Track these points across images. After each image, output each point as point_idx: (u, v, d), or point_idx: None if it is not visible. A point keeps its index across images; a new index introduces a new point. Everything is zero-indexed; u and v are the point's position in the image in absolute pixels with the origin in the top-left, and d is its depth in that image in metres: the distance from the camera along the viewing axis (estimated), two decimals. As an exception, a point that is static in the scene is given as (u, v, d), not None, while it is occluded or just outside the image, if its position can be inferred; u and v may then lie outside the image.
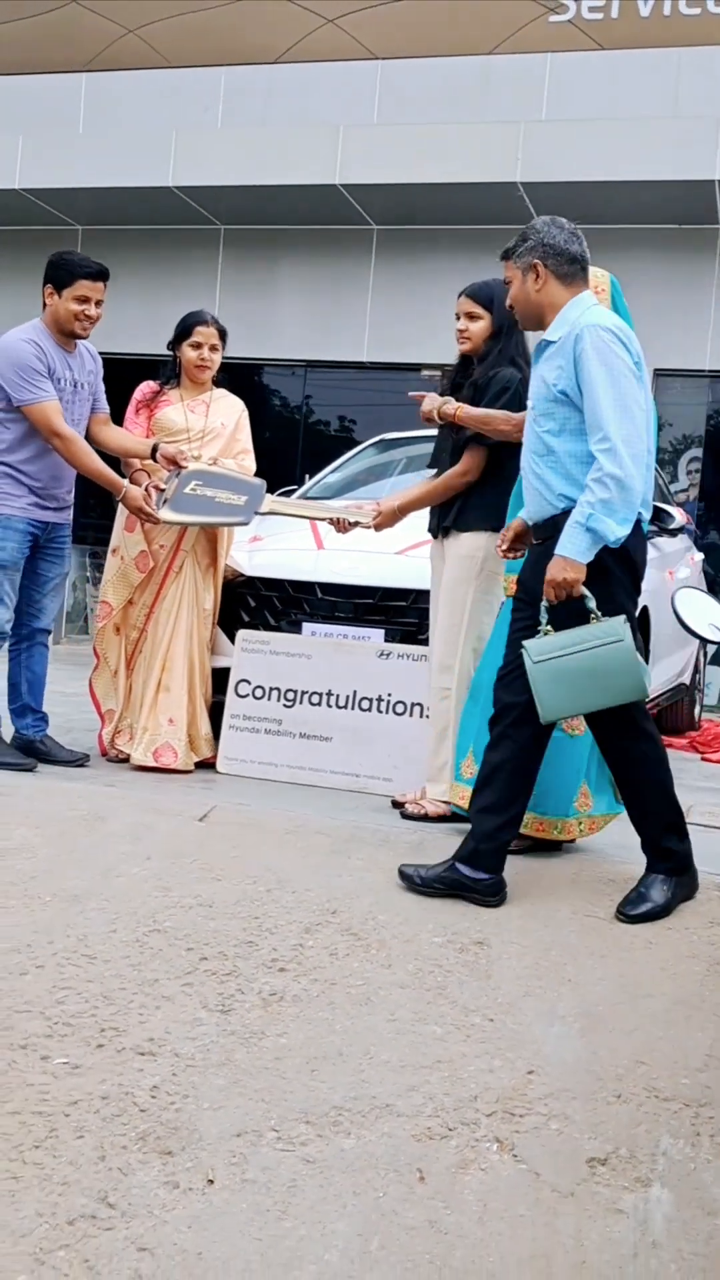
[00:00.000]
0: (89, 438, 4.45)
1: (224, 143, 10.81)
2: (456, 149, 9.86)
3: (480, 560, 3.92)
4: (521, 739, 3.28)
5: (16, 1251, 2.04)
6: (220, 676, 4.76)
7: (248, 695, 4.67)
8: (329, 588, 4.80)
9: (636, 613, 3.84)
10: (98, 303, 4.32)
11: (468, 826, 3.38)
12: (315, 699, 4.59)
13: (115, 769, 4.54)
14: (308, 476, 7.03)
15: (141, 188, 10.74)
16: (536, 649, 3.17)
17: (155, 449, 4.48)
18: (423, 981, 2.86)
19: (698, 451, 10.62)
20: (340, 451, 7.43)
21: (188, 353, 4.67)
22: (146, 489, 4.46)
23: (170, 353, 4.76)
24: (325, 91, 11.25)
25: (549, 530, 3.27)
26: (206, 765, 4.66)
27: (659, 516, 5.35)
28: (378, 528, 4.37)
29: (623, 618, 3.14)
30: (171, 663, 4.60)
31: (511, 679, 3.28)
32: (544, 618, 3.21)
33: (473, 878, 3.26)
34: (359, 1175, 2.25)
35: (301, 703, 4.60)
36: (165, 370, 4.80)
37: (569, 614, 3.18)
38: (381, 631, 4.70)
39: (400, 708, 4.47)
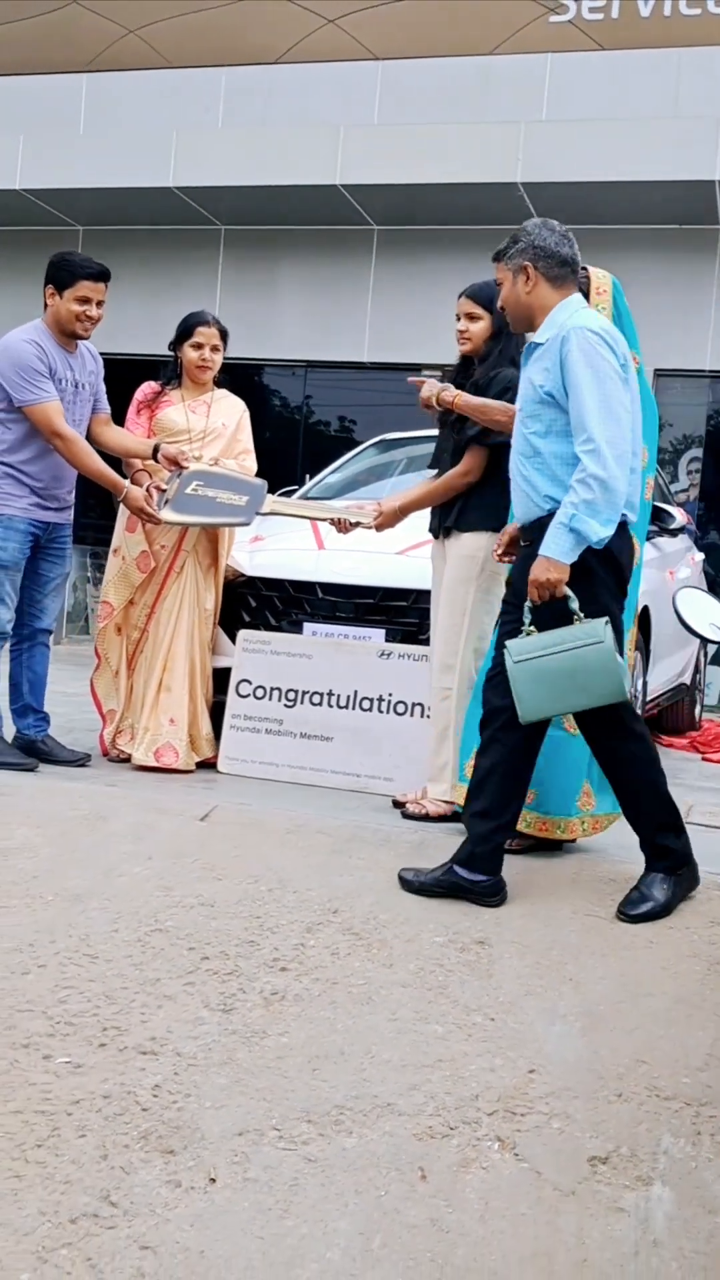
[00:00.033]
0: (90, 438, 4.46)
1: (224, 143, 10.81)
2: (457, 149, 9.86)
3: (481, 560, 3.92)
4: (511, 742, 3.28)
5: (20, 1250, 2.04)
6: (221, 676, 4.77)
7: (249, 695, 4.68)
8: (330, 588, 4.80)
9: (633, 614, 3.85)
10: (99, 303, 4.32)
11: (468, 826, 3.39)
12: (316, 699, 4.59)
13: (116, 769, 4.54)
14: (308, 477, 7.03)
15: (142, 188, 10.74)
16: (517, 649, 3.19)
17: (156, 449, 4.49)
18: (424, 981, 2.86)
19: (698, 451, 10.63)
20: (340, 452, 7.44)
21: (189, 353, 4.67)
22: (148, 489, 4.47)
23: (171, 353, 4.76)
24: (326, 92, 11.26)
25: (536, 531, 3.28)
26: (207, 765, 4.67)
27: (659, 516, 5.36)
28: (379, 528, 4.37)
29: (604, 620, 3.14)
30: (173, 663, 4.61)
31: (498, 680, 3.29)
32: (527, 618, 3.23)
33: (471, 880, 3.27)
34: (361, 1174, 2.25)
35: (302, 703, 4.61)
36: (166, 371, 4.80)
37: (553, 615, 3.19)
38: (382, 631, 4.70)
39: (401, 708, 4.47)
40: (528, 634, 3.21)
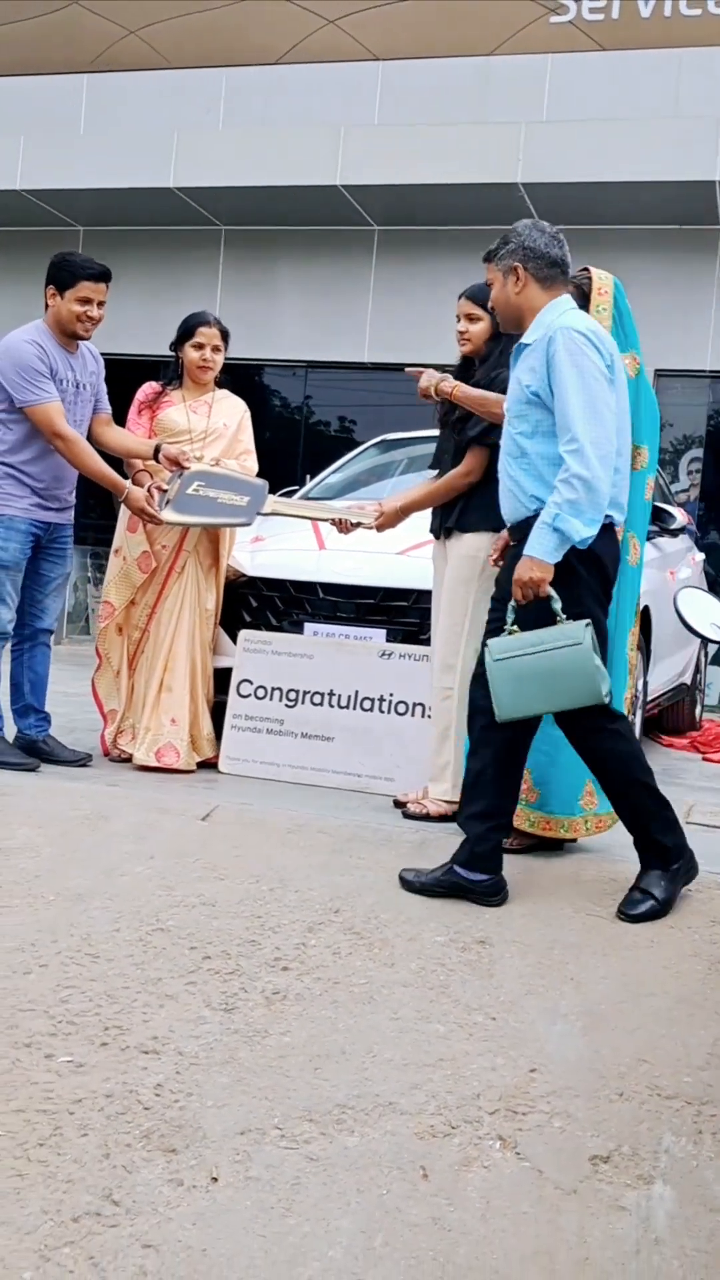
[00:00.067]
0: (91, 438, 4.46)
1: (225, 143, 10.82)
2: (457, 150, 9.87)
3: (482, 560, 3.93)
4: (499, 740, 3.29)
5: (22, 1248, 2.04)
6: (222, 676, 4.77)
7: (250, 695, 4.68)
8: (331, 588, 4.81)
9: (634, 614, 3.85)
10: (100, 304, 4.33)
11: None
12: (317, 699, 4.60)
13: (118, 769, 4.55)
14: (309, 477, 7.03)
15: (142, 188, 10.74)
16: (498, 647, 3.21)
17: (158, 450, 4.50)
18: (425, 980, 2.87)
19: (698, 452, 10.63)
20: (341, 452, 7.44)
21: (190, 354, 4.68)
22: (149, 490, 4.47)
23: (173, 354, 4.77)
24: (326, 92, 11.26)
25: (522, 532, 3.29)
26: (208, 765, 4.68)
27: (660, 517, 5.36)
28: (380, 528, 4.38)
29: (585, 622, 3.14)
30: (174, 663, 4.61)
31: (483, 678, 3.30)
32: (510, 617, 3.25)
33: (471, 880, 3.28)
34: (362, 1173, 2.26)
35: (303, 703, 4.61)
36: (168, 371, 4.81)
37: (536, 615, 3.20)
38: (383, 631, 4.71)
39: (402, 708, 4.48)
40: (509, 633, 3.23)
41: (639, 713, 4.95)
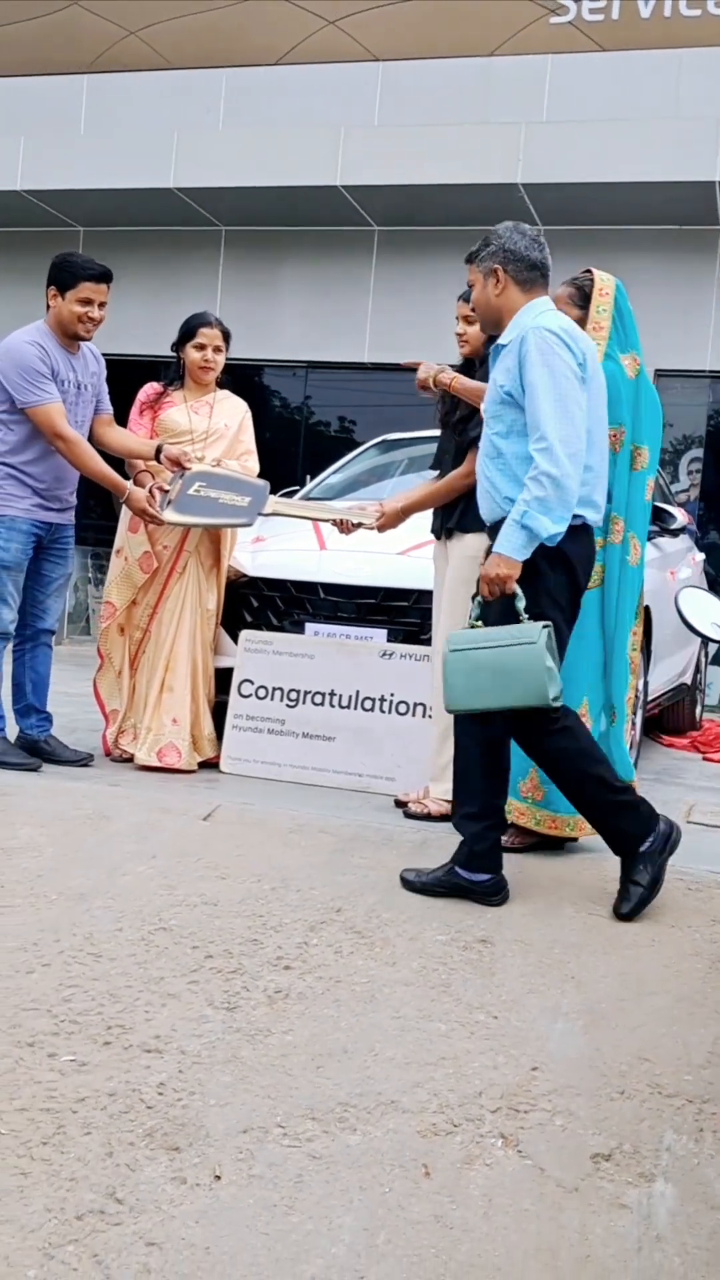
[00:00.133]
0: (93, 439, 4.47)
1: (225, 144, 10.82)
2: (457, 150, 9.87)
3: (483, 561, 3.93)
4: (481, 739, 3.30)
5: (26, 1246, 2.05)
6: (223, 676, 4.78)
7: (251, 695, 4.69)
8: (332, 588, 4.82)
9: (634, 614, 3.85)
10: (101, 304, 4.33)
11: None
12: (318, 699, 4.60)
13: (119, 769, 4.56)
14: (309, 478, 7.04)
15: (143, 189, 10.75)
16: (455, 638, 3.23)
17: (159, 450, 4.50)
18: (427, 979, 2.87)
19: (699, 452, 10.64)
20: (341, 452, 7.45)
21: (191, 354, 4.69)
22: (150, 490, 4.48)
23: (174, 354, 4.77)
24: (326, 93, 11.27)
25: (498, 532, 3.30)
26: (210, 765, 4.68)
27: (660, 517, 5.37)
28: (381, 529, 4.39)
29: (543, 624, 3.14)
30: (175, 663, 4.62)
31: None
32: (474, 611, 3.27)
33: (472, 880, 3.29)
34: (365, 1171, 2.26)
35: (304, 703, 4.62)
36: (169, 372, 4.81)
37: (501, 612, 3.22)
38: (384, 632, 4.71)
39: (403, 708, 4.49)
40: (471, 627, 3.25)
41: (639, 712, 4.95)
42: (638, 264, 9.73)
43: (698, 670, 7.41)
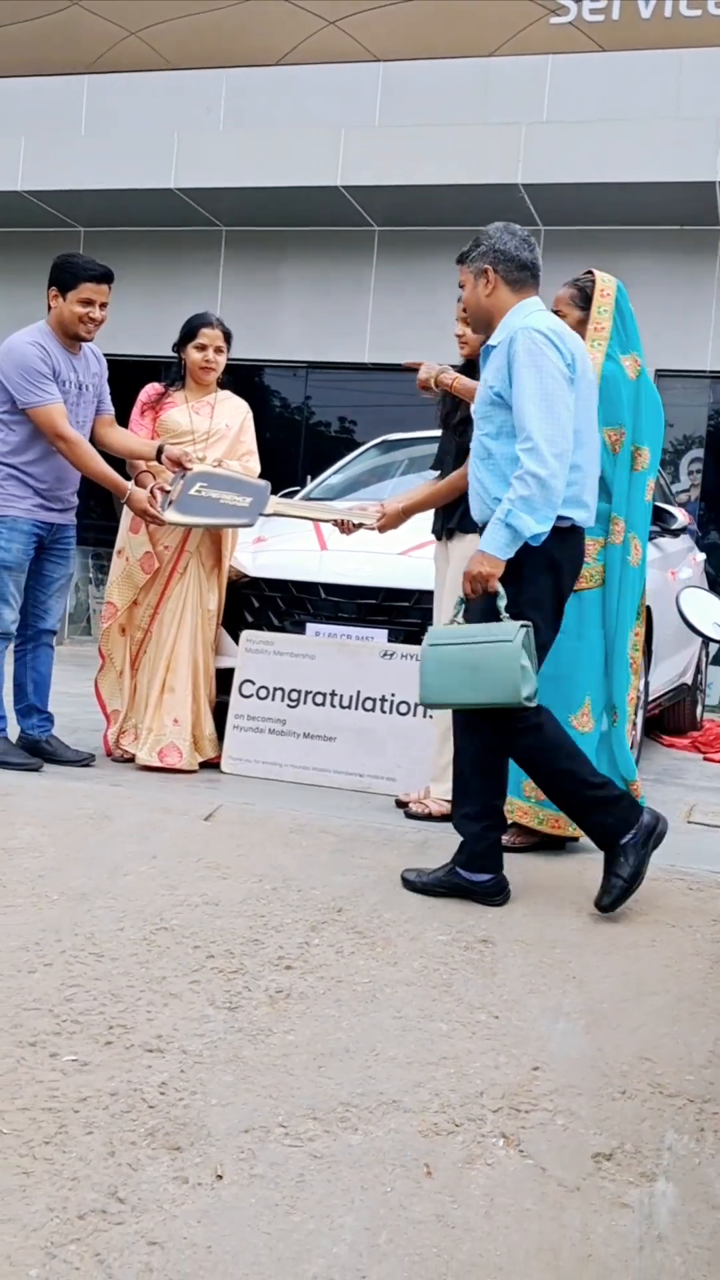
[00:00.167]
0: (94, 439, 4.47)
1: (225, 144, 10.83)
2: (457, 150, 9.88)
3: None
4: (477, 742, 3.31)
5: (28, 1245, 2.05)
6: (224, 677, 4.78)
7: (252, 695, 4.69)
8: (332, 588, 4.82)
9: (635, 614, 3.85)
10: (102, 305, 4.34)
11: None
12: (319, 699, 4.61)
13: (120, 769, 4.56)
14: (309, 478, 7.04)
15: (143, 189, 10.75)
16: (435, 634, 3.25)
17: (160, 451, 4.51)
18: (428, 979, 2.88)
19: (699, 452, 10.64)
20: (341, 453, 7.45)
21: (193, 355, 4.69)
22: (151, 491, 4.48)
23: (175, 355, 4.78)
24: (327, 93, 11.27)
25: None
26: (211, 765, 4.69)
27: (661, 517, 5.37)
28: (382, 529, 4.39)
29: (521, 624, 3.13)
30: (176, 663, 4.63)
31: None
32: (458, 608, 3.28)
33: (473, 880, 3.29)
34: (366, 1170, 2.27)
35: (305, 703, 4.62)
36: (170, 372, 4.82)
37: (483, 610, 3.23)
38: (385, 632, 4.72)
39: (404, 708, 4.49)
40: (453, 623, 3.26)
41: (640, 713, 4.96)
42: (638, 264, 9.74)
43: (698, 670, 7.41)
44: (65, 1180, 2.21)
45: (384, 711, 4.52)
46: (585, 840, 3.79)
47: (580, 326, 3.78)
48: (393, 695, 4.50)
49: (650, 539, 4.27)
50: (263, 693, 4.68)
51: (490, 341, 3.36)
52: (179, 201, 10.90)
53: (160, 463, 4.52)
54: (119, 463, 4.57)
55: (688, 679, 6.94)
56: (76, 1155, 2.26)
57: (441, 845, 3.59)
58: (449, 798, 3.98)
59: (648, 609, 5.05)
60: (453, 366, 4.18)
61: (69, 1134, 2.31)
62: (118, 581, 4.70)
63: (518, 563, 3.19)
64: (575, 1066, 2.57)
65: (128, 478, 4.58)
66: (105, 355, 4.60)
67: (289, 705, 4.64)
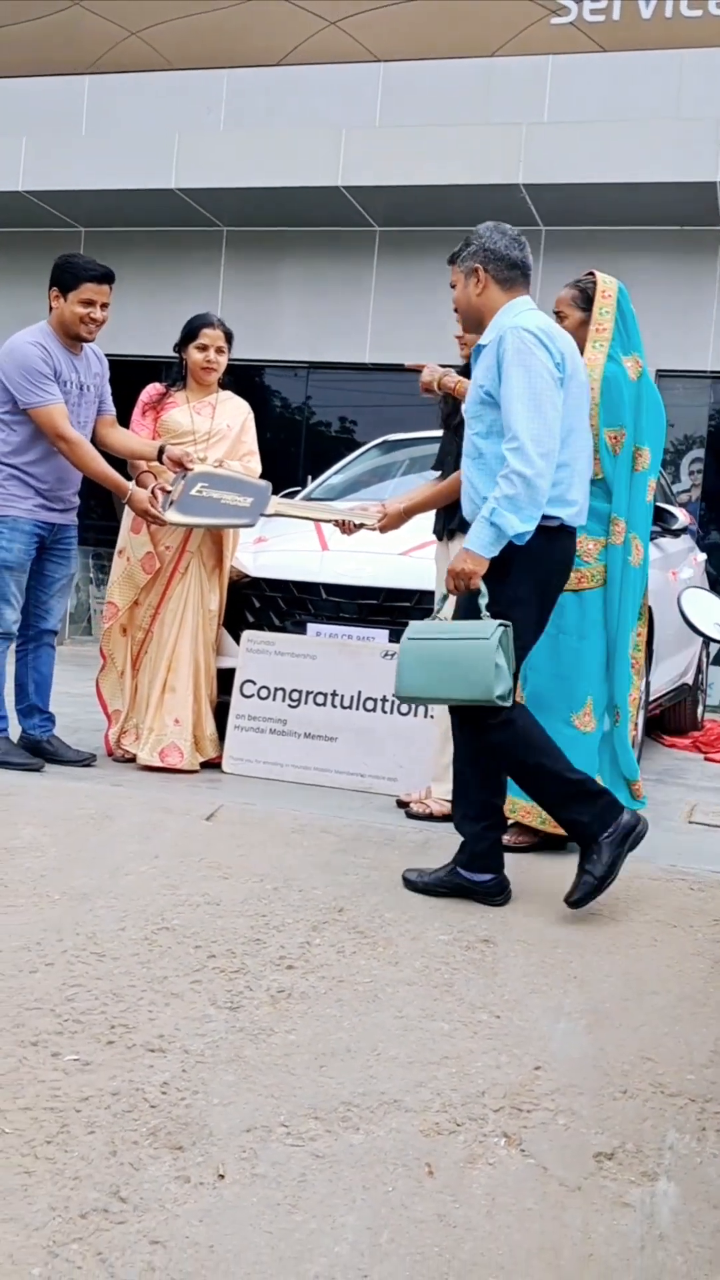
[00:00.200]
0: (96, 440, 4.48)
1: (226, 145, 10.83)
2: (458, 151, 9.88)
3: (485, 561, 3.94)
4: (475, 742, 3.30)
5: (30, 1244, 2.06)
6: (225, 677, 4.79)
7: (253, 695, 4.69)
8: (333, 589, 4.82)
9: (636, 614, 3.85)
10: (103, 305, 4.34)
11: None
12: (320, 699, 4.61)
13: (121, 769, 4.56)
14: (310, 478, 7.05)
15: (144, 190, 10.76)
16: (415, 628, 3.26)
17: (161, 451, 4.51)
18: (430, 979, 2.88)
19: (700, 452, 10.64)
20: (342, 453, 7.45)
21: (194, 355, 4.69)
22: (153, 491, 4.49)
23: (176, 355, 4.78)
24: (327, 94, 11.27)
25: None
26: (212, 765, 4.69)
27: (662, 517, 5.37)
28: (383, 529, 4.39)
29: (498, 623, 3.13)
30: (177, 663, 4.63)
31: None
32: (440, 604, 3.29)
33: (474, 880, 3.29)
34: (368, 1170, 2.27)
35: (306, 703, 4.62)
36: (170, 372, 4.82)
37: (466, 608, 3.23)
38: (386, 632, 4.72)
39: (405, 708, 4.49)
40: (435, 619, 3.27)
41: (642, 713, 4.96)
42: (638, 264, 9.74)
43: (699, 670, 7.41)
44: (67, 1179, 2.21)
45: (385, 712, 4.52)
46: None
47: (582, 328, 3.78)
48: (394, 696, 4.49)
49: (651, 539, 4.27)
50: (264, 693, 4.68)
51: (481, 341, 3.36)
52: (180, 202, 10.90)
53: (161, 463, 4.52)
54: (120, 463, 4.57)
55: (689, 679, 6.94)
56: (78, 1154, 2.27)
57: (443, 845, 3.59)
58: (450, 798, 3.98)
59: (649, 609, 5.06)
60: (454, 368, 4.19)
61: (71, 1133, 2.32)
62: (119, 582, 4.71)
63: (502, 561, 3.19)
64: (577, 1066, 2.58)
65: (129, 478, 4.58)
66: (106, 355, 4.61)
67: (290, 705, 4.64)
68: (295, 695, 4.64)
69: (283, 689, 4.66)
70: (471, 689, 3.10)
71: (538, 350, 3.18)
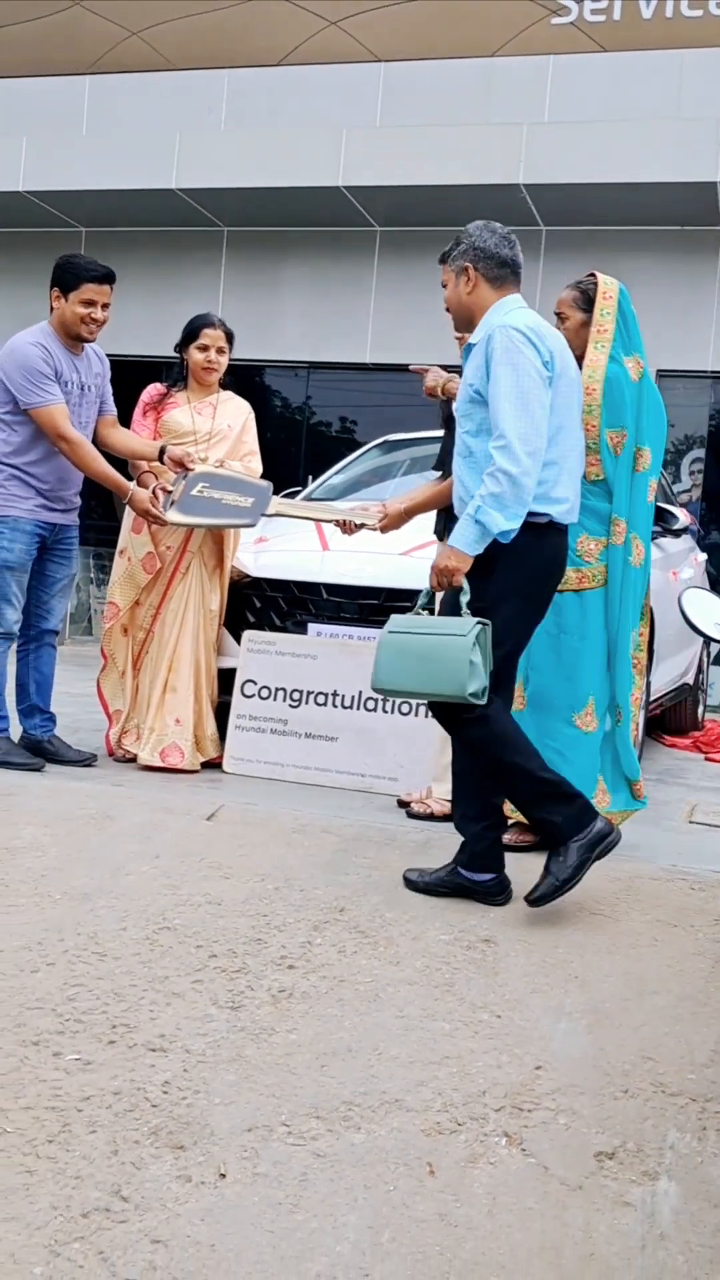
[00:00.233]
0: (97, 440, 4.48)
1: (227, 145, 10.83)
2: (459, 151, 9.88)
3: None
4: (455, 738, 3.30)
5: (32, 1244, 2.06)
6: (226, 677, 4.79)
7: (254, 695, 4.70)
8: (334, 589, 4.82)
9: (638, 614, 3.85)
10: (104, 306, 4.34)
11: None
12: (321, 699, 4.61)
13: (122, 769, 4.57)
14: (311, 478, 7.05)
15: (145, 190, 10.76)
16: (395, 622, 3.26)
17: (163, 451, 4.51)
18: (431, 978, 2.88)
19: (700, 452, 10.64)
20: (342, 453, 7.45)
21: (195, 355, 4.69)
22: (154, 491, 4.49)
23: (177, 355, 4.78)
24: (328, 94, 11.28)
25: None
26: (213, 765, 4.69)
27: (662, 517, 5.38)
28: (384, 530, 4.40)
29: (476, 621, 3.12)
30: (178, 663, 4.63)
31: None
32: (422, 599, 3.30)
33: (475, 880, 3.29)
34: (369, 1169, 2.27)
35: (307, 703, 4.63)
36: (171, 372, 4.83)
37: (450, 604, 3.24)
38: (387, 632, 4.71)
39: (405, 708, 4.49)
40: (416, 614, 3.28)
41: (642, 713, 4.96)
42: (639, 264, 9.74)
43: (700, 670, 7.42)
44: (69, 1179, 2.21)
45: (386, 712, 4.53)
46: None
47: (583, 329, 3.79)
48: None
49: (652, 539, 4.27)
50: (265, 693, 4.69)
51: (470, 340, 3.36)
52: (180, 202, 10.91)
53: (162, 463, 4.52)
54: (121, 463, 4.58)
55: (689, 679, 6.95)
56: (80, 1154, 2.27)
57: (443, 845, 3.59)
58: (450, 798, 3.98)
59: (650, 609, 5.06)
60: (456, 370, 4.19)
61: (72, 1133, 2.32)
62: (120, 582, 4.71)
63: (488, 558, 3.18)
64: (577, 1066, 2.58)
65: (130, 478, 4.58)
66: (107, 355, 4.61)
67: (291, 705, 4.65)
68: (296, 695, 4.64)
69: (284, 689, 4.66)
70: (445, 685, 3.10)
71: (525, 349, 3.18)
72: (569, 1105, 2.46)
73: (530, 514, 3.19)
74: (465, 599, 3.16)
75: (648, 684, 5.40)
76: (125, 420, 4.68)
